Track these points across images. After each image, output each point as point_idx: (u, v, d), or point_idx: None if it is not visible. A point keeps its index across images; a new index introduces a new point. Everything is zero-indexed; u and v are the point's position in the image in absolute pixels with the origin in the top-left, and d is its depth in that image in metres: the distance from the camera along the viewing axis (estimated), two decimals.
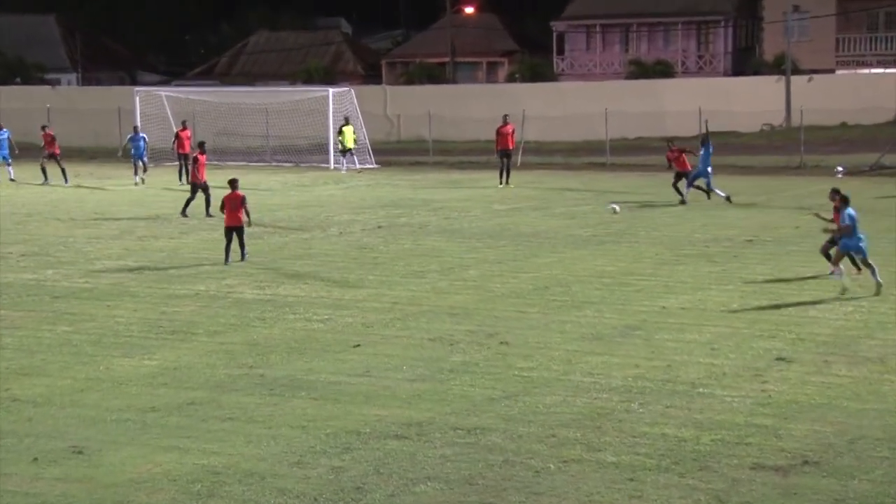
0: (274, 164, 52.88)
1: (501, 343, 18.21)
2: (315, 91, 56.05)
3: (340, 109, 51.72)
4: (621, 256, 26.26)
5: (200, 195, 33.62)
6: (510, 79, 76.34)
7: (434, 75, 77.42)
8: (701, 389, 15.46)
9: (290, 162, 52.96)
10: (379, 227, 31.79)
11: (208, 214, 33.22)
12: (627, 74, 72.84)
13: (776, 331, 18.77)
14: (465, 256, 26.55)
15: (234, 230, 25.67)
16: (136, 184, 42.96)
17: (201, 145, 34.69)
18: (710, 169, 35.48)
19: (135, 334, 19.21)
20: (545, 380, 16.05)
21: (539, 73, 74.20)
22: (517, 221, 32.37)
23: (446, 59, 79.97)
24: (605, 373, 16.35)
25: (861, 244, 21.51)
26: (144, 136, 44.98)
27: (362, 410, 14.66)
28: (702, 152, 35.31)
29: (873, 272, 21.56)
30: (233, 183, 26.04)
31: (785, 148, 52.10)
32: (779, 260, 25.41)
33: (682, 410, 14.51)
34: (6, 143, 45.20)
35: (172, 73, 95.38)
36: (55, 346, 18.49)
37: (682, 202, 35.35)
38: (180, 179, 43.30)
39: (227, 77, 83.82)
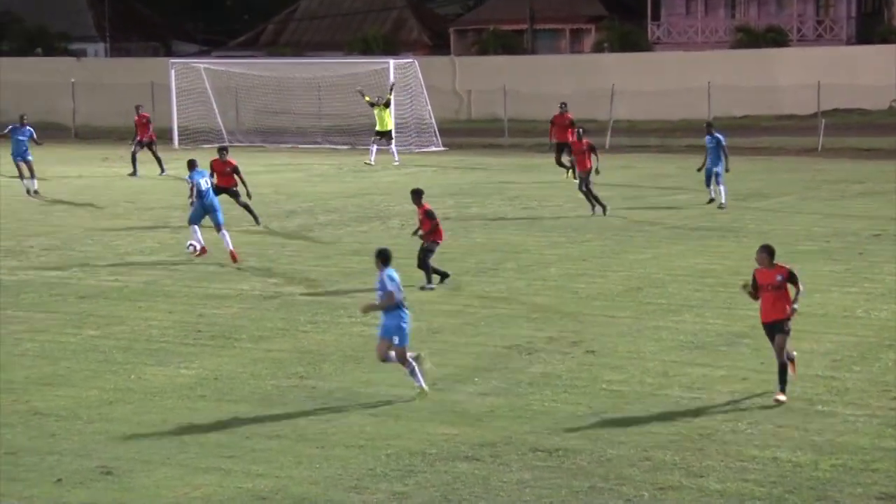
0: (327, 146, 53.09)
1: (587, 352, 18.18)
2: (374, 63, 56.11)
3: (403, 84, 51.66)
4: (726, 253, 26.08)
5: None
6: (597, 48, 76.07)
7: (510, 45, 77.32)
8: (819, 407, 15.33)
9: (346, 144, 53.11)
10: (446, 218, 31.74)
11: (256, 222, 30.36)
12: (734, 43, 72.29)
13: None
14: (546, 252, 26.53)
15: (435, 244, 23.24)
16: (28, 191, 37.15)
17: (220, 151, 29.76)
18: (718, 168, 32.17)
19: (170, 340, 19.40)
20: (638, 395, 16.00)
21: (631, 41, 73.81)
22: None
23: (524, 26, 79.80)
24: (708, 387, 16.26)
25: (403, 325, 15.88)
26: (31, 128, 38.08)
27: (428, 428, 14.69)
28: (713, 145, 32.25)
29: (417, 365, 16.10)
30: (417, 195, 23.40)
31: None
32: None
33: (797, 431, 14.40)
34: (26, 144, 37.54)
35: (212, 42, 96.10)
36: (81, 352, 18.72)
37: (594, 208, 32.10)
38: (134, 172, 41.04)
39: (274, 47, 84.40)
